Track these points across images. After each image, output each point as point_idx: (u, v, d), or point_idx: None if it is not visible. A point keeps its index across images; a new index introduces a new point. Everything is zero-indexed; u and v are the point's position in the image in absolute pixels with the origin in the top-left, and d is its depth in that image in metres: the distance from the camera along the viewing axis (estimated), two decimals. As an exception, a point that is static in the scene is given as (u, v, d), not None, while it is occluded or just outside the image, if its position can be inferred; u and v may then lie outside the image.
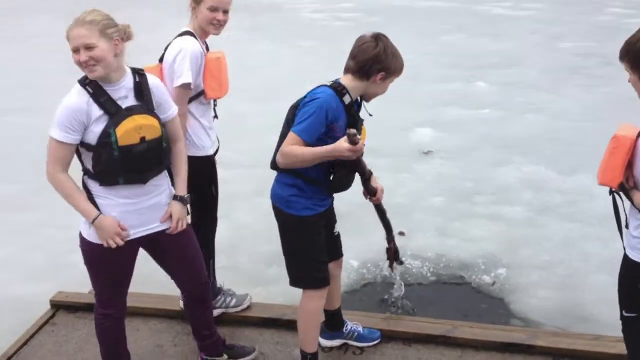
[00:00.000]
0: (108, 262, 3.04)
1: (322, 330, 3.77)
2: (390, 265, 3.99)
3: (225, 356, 3.60)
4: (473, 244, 5.50)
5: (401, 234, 5.60)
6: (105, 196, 2.96)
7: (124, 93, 2.90)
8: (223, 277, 4.19)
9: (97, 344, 3.31)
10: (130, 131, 2.85)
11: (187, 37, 3.52)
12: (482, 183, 6.81)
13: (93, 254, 3.03)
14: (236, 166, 6.78)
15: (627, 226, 2.85)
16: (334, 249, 3.52)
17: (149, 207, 3.05)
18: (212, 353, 3.58)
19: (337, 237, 3.55)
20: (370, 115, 3.27)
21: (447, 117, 9.06)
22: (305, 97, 3.09)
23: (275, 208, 3.27)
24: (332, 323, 3.79)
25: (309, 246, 3.25)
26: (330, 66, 12.47)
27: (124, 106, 2.87)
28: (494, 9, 18.28)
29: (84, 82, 2.85)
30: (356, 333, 3.82)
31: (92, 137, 2.83)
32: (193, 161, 3.64)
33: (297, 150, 2.97)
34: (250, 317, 4.03)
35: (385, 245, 3.87)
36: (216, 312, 3.96)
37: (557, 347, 3.71)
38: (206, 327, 3.52)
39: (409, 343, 3.82)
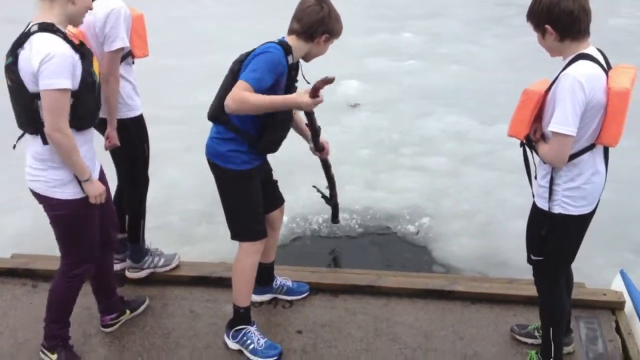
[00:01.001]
0: (90, 217, 3.08)
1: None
2: (334, 219, 4.26)
3: (127, 312, 3.66)
4: (399, 195, 5.68)
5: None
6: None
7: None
8: (152, 236, 4.17)
9: (23, 309, 3.26)
10: (96, 69, 2.96)
11: None
12: (407, 135, 6.99)
13: (78, 212, 3.02)
14: (162, 123, 6.67)
15: (535, 177, 3.02)
16: (275, 196, 3.63)
17: (91, 147, 3.09)
18: (117, 311, 3.61)
19: (276, 184, 3.64)
20: (308, 82, 3.31)
21: (374, 69, 9.17)
22: (254, 50, 3.11)
23: (212, 165, 3.28)
24: (264, 278, 3.85)
25: (249, 199, 3.32)
26: (258, 18, 12.31)
27: None
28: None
29: (53, 29, 2.78)
30: (285, 287, 3.91)
31: (75, 83, 2.80)
32: (127, 123, 3.61)
33: (252, 96, 2.93)
34: (179, 276, 4.05)
35: (326, 198, 4.13)
36: (145, 273, 3.98)
37: (475, 291, 3.91)
38: (114, 280, 3.59)
39: (336, 294, 3.95)
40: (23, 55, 2.75)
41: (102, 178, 3.23)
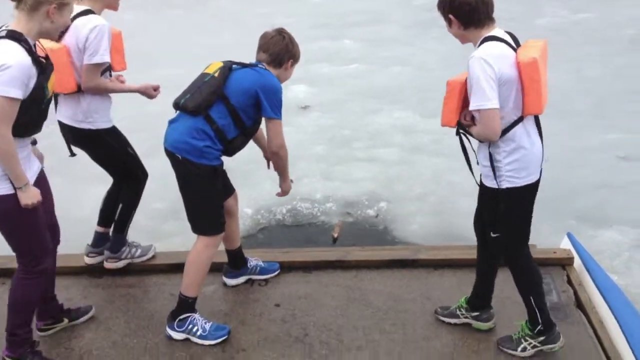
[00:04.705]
0: (32, 210, 3.00)
1: (227, 271, 4.01)
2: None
3: (66, 320, 3.61)
4: (355, 184, 5.96)
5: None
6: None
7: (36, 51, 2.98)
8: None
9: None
10: (52, 86, 3.02)
11: (94, 16, 3.56)
12: (358, 131, 7.31)
13: (18, 206, 2.94)
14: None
15: (477, 162, 3.17)
16: (228, 185, 3.79)
17: (29, 152, 3.12)
18: (53, 317, 3.56)
19: (226, 174, 3.76)
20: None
21: (320, 73, 9.49)
22: (245, 66, 3.37)
23: (183, 161, 3.31)
24: (235, 262, 4.01)
25: (215, 194, 3.46)
26: (203, 31, 12.39)
27: None
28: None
29: (20, 39, 2.85)
30: (259, 267, 4.08)
31: (25, 93, 2.84)
32: (105, 134, 3.75)
33: (287, 159, 3.64)
34: (156, 265, 4.17)
35: None
36: (122, 263, 4.08)
37: (437, 258, 4.19)
38: (53, 284, 3.54)
39: (309, 271, 4.14)
40: None
41: (43, 178, 3.23)
